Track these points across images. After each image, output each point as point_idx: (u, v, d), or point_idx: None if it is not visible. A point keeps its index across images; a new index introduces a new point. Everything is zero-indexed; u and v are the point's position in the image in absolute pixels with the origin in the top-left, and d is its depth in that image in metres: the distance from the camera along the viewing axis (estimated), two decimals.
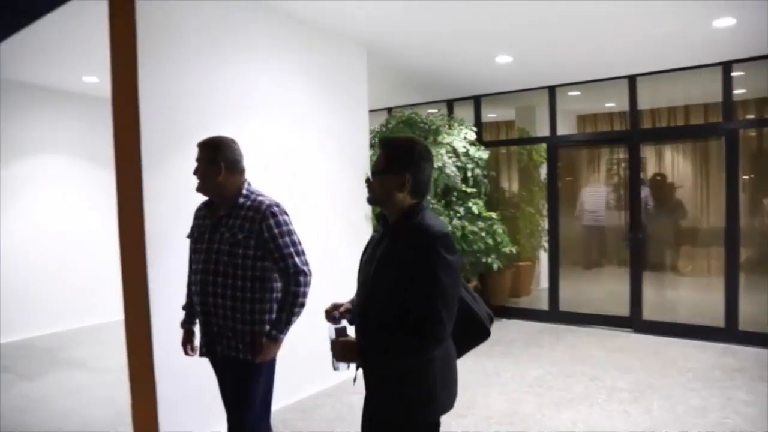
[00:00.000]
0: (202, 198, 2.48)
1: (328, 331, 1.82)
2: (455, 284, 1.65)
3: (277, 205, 2.35)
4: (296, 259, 2.30)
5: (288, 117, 4.03)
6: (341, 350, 1.72)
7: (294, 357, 3.90)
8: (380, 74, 5.45)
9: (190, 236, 2.50)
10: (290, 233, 2.33)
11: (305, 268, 2.32)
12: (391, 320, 1.65)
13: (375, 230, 1.95)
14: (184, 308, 2.63)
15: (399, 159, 1.74)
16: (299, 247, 2.33)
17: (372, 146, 5.12)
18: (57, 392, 4.32)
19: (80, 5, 3.68)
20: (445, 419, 1.82)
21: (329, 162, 4.41)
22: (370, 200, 1.83)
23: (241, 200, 2.35)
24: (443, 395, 1.75)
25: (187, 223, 2.57)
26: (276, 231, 2.29)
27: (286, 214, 2.37)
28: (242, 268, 2.29)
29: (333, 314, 1.91)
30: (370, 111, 5.01)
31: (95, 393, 4.26)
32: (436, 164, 5.32)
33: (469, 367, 4.12)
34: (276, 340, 2.28)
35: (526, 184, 7.51)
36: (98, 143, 6.28)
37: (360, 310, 1.81)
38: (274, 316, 2.34)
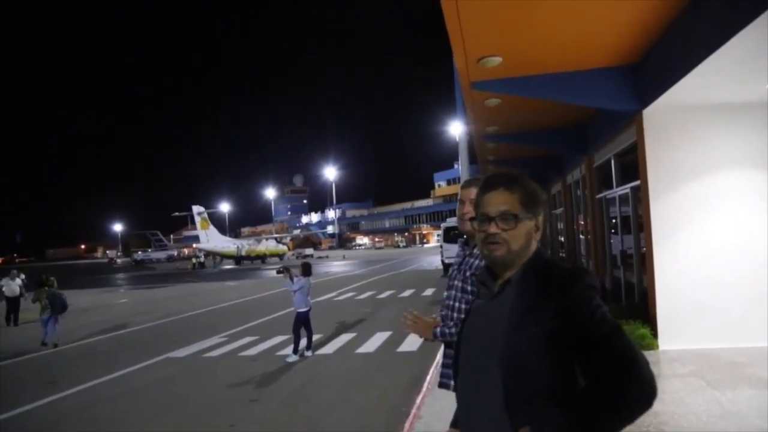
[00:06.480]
0: None
1: None
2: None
3: None
4: None
5: None
6: None
7: None
8: None
9: None
10: None
11: None
12: (545, 392, 1.31)
13: (478, 294, 1.63)
14: None
15: (535, 197, 1.50)
16: None
17: None
18: (747, 408, 4.53)
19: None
20: None
21: None
22: (503, 258, 1.46)
23: None
24: None
25: None
26: None
27: None
28: None
29: None
30: None
31: None
32: None
33: None
34: None
35: None
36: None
37: (488, 397, 1.39)
38: None
